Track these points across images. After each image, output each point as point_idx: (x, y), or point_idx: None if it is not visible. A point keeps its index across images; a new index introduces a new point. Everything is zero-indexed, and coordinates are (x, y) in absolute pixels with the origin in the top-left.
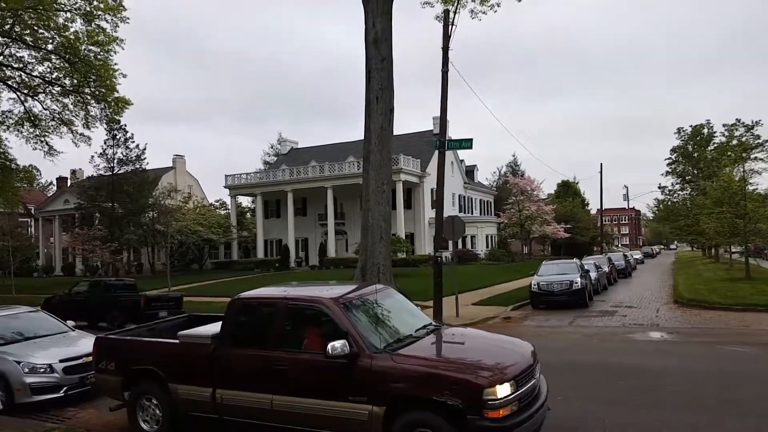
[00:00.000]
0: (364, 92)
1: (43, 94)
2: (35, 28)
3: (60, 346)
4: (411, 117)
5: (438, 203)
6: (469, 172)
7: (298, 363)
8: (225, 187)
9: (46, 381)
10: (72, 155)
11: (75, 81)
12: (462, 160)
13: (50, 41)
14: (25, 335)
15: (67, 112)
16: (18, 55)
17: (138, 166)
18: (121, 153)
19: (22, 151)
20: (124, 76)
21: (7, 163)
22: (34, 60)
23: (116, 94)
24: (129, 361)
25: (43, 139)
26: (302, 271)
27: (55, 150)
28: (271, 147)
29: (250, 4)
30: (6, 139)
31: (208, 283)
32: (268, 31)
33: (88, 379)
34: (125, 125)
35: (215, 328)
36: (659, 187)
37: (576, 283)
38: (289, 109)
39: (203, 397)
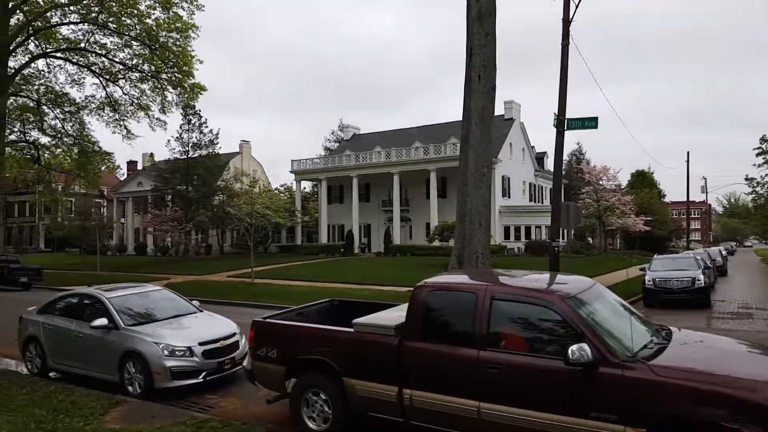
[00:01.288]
0: (465, 69)
1: (123, 80)
2: (119, 15)
3: (195, 328)
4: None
5: (555, 189)
6: (539, 159)
7: (518, 367)
8: (291, 171)
9: (187, 365)
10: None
11: (153, 67)
12: (533, 147)
13: (132, 28)
14: (157, 315)
15: (145, 98)
16: (102, 41)
17: (211, 150)
18: (195, 137)
19: (100, 135)
20: (201, 62)
21: (90, 145)
22: (115, 47)
23: (192, 80)
24: (295, 350)
25: (122, 123)
26: (368, 257)
27: (133, 134)
28: (332, 133)
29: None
30: (89, 123)
31: (280, 266)
32: (310, 23)
33: (227, 364)
34: (199, 110)
35: (391, 316)
36: (746, 179)
37: (699, 280)
38: (337, 98)
39: (387, 397)
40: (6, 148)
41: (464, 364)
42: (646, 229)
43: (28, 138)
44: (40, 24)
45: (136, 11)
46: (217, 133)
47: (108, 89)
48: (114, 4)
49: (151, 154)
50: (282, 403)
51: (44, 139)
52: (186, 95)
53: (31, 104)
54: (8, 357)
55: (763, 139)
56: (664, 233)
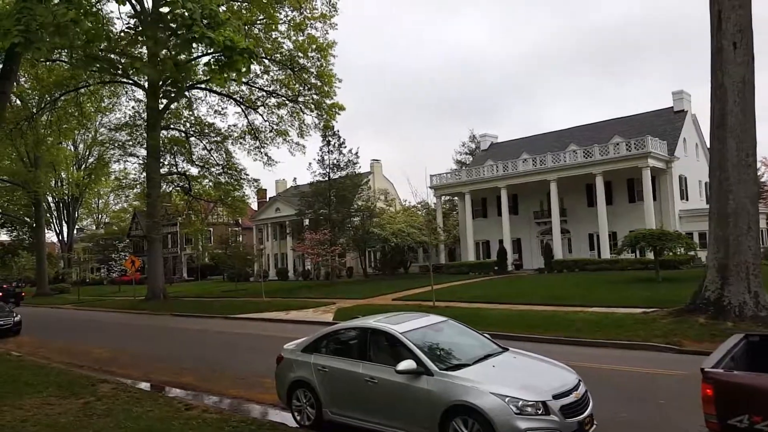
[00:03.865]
0: (710, 41)
1: (262, 107)
2: (262, 39)
3: (526, 373)
4: (639, 93)
5: None
6: None
7: None
8: (430, 187)
9: (545, 427)
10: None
11: (291, 92)
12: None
13: (275, 52)
14: (465, 355)
15: (283, 123)
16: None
17: (351, 171)
18: (335, 158)
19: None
20: (340, 81)
21: (235, 173)
22: (254, 74)
23: (330, 100)
24: None
25: (262, 150)
26: (529, 275)
27: (273, 160)
28: (462, 145)
29: (377, 16)
30: (234, 151)
31: (442, 286)
32: (394, 38)
33: (587, 425)
34: (338, 131)
35: None
36: None
37: None
38: (431, 113)
39: None
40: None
41: None
42: None
43: (179, 169)
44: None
45: (276, 33)
46: (357, 152)
47: (249, 117)
48: (258, 30)
49: (281, 181)
50: None
51: (193, 171)
52: (324, 116)
53: (180, 136)
54: (256, 402)
55: None
56: None
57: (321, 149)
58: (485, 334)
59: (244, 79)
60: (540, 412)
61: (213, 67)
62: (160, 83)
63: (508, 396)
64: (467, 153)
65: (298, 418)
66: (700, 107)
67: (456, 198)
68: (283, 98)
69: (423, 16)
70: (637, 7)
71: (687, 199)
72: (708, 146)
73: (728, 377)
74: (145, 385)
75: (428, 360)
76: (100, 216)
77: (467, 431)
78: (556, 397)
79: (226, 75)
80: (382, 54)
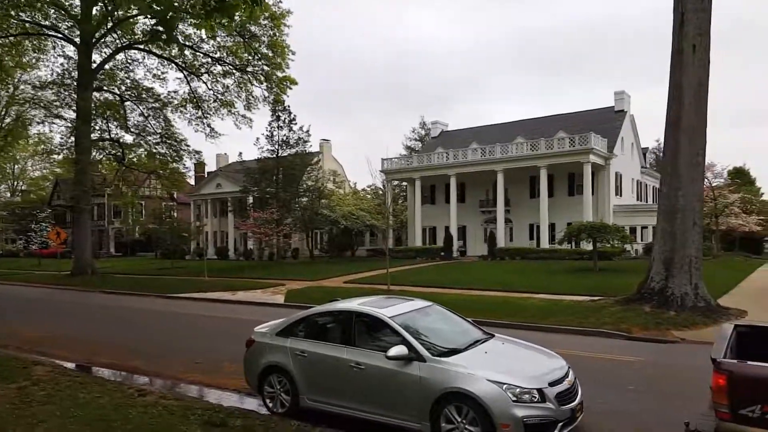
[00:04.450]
0: (671, 41)
1: (207, 75)
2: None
3: (517, 360)
4: (579, 92)
5: None
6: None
7: None
8: (381, 171)
9: (541, 414)
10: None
11: (239, 60)
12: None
13: None
14: (455, 341)
15: (229, 94)
16: (187, 32)
17: (302, 149)
18: (283, 135)
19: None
20: (293, 53)
21: (175, 143)
22: (199, 38)
23: (282, 73)
24: None
25: (204, 120)
26: (475, 261)
27: (216, 132)
28: (413, 131)
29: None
30: (173, 120)
31: (392, 270)
32: (344, 24)
33: (578, 413)
34: (289, 106)
35: None
36: None
37: None
38: (379, 100)
39: None
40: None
41: None
42: (757, 228)
43: (112, 136)
44: (122, 14)
45: None
46: (308, 130)
47: (192, 84)
48: None
49: (240, 154)
50: None
51: (128, 138)
52: (275, 89)
53: (114, 99)
54: (218, 388)
55: None
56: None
57: (270, 124)
58: (469, 320)
59: (188, 43)
60: (536, 399)
61: (200, 10)
62: (93, 40)
63: (505, 383)
64: (417, 139)
65: (271, 405)
66: (639, 108)
67: (405, 183)
68: (230, 66)
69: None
70: (582, 13)
71: (621, 195)
72: (642, 146)
73: (742, 368)
74: (87, 369)
75: (419, 345)
76: (16, 183)
77: (461, 419)
78: (551, 384)
79: (215, 20)
80: (331, 37)
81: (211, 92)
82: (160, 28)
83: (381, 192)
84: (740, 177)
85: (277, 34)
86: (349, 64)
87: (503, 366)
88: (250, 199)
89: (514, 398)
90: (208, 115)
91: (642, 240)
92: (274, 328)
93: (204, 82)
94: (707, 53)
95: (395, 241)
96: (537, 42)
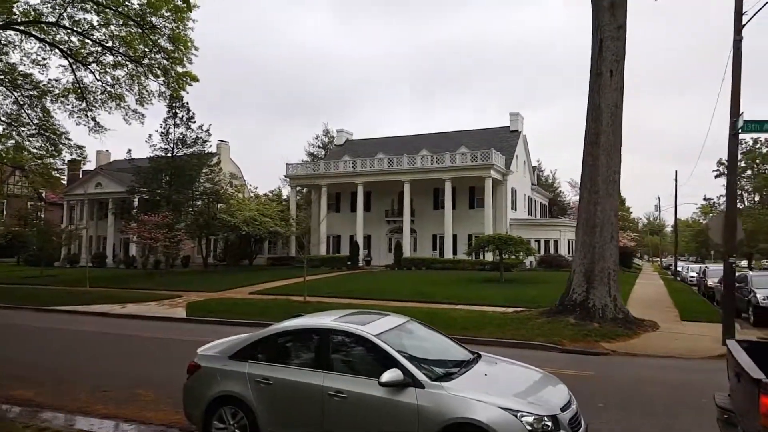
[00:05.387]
0: (590, 65)
1: (95, 64)
2: None
3: (516, 383)
4: (472, 110)
5: (731, 198)
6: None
7: None
8: (285, 176)
9: None
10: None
11: (135, 52)
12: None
13: (121, 5)
14: (446, 363)
15: (119, 86)
16: (77, 17)
17: (200, 149)
18: (180, 133)
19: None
20: (197, 49)
21: (53, 136)
22: (89, 25)
23: (183, 68)
24: None
25: (89, 113)
26: (383, 271)
27: (102, 126)
28: (316, 138)
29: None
30: (53, 110)
31: (299, 281)
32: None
33: None
34: (187, 103)
35: None
36: (705, 199)
37: None
38: (274, 105)
39: None
40: None
41: None
42: (632, 244)
43: None
44: None
45: None
46: (208, 129)
47: (77, 73)
48: None
49: (129, 151)
50: None
51: None
52: (173, 85)
53: None
54: (139, 421)
55: (719, 162)
56: (633, 249)
57: (166, 121)
58: (447, 336)
59: (77, 29)
60: (550, 428)
61: None
62: None
63: (519, 410)
64: (320, 146)
65: None
66: (529, 129)
67: (305, 190)
68: (124, 57)
69: (270, 5)
70: (473, 36)
71: (516, 210)
72: (532, 165)
73: None
74: None
75: (415, 369)
76: None
77: None
78: (562, 409)
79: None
80: (229, 38)
81: (100, 83)
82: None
83: (285, 198)
84: None
85: (181, 27)
86: (250, 68)
87: (510, 390)
88: (135, 201)
89: (530, 427)
90: (94, 108)
91: (539, 252)
92: (226, 350)
93: (92, 72)
94: (622, 78)
95: (297, 250)
96: (434, 58)
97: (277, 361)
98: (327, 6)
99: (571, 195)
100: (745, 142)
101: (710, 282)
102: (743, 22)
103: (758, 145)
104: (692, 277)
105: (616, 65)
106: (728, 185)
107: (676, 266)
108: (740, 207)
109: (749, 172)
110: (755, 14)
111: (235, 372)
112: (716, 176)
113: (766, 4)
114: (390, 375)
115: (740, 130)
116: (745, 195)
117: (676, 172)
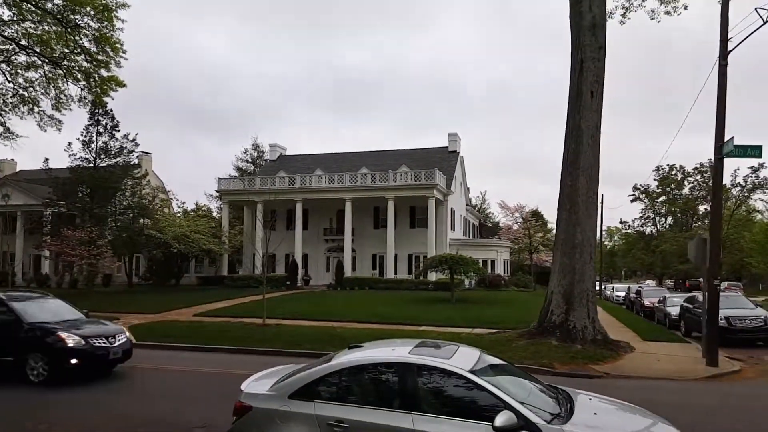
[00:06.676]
0: (569, 85)
1: (5, 64)
2: None
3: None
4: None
5: (715, 219)
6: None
7: None
8: (217, 191)
9: None
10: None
11: (53, 52)
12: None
13: None
14: (543, 400)
15: (33, 89)
16: None
17: (126, 160)
18: (103, 142)
19: None
20: (125, 52)
21: None
22: (7, 19)
23: (106, 72)
24: None
25: None
26: (325, 291)
27: (13, 133)
28: (245, 152)
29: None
30: None
31: (241, 301)
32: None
33: None
34: (112, 110)
35: None
36: (621, 222)
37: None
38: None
39: None
40: None
41: None
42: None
43: None
44: None
45: None
46: (135, 139)
47: None
48: None
49: (46, 160)
50: None
51: None
52: (96, 89)
53: None
54: None
55: (635, 187)
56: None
57: (88, 129)
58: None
59: None
60: None
61: None
62: None
63: None
64: (249, 161)
65: None
66: (466, 151)
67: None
68: (40, 58)
69: (172, 18)
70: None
71: (454, 230)
72: (467, 186)
73: None
74: None
75: (526, 410)
76: None
77: None
78: None
79: None
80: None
81: (11, 85)
82: None
83: (215, 213)
84: (537, 219)
85: (108, 27)
86: (171, 86)
87: (626, 428)
88: (48, 214)
89: None
90: (4, 112)
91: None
92: (282, 387)
93: (2, 72)
94: (601, 100)
95: (229, 268)
96: (349, 78)
97: (349, 400)
98: (233, 20)
99: (500, 216)
100: (662, 169)
101: (647, 302)
102: (728, 48)
103: (674, 172)
104: (618, 296)
105: (596, 86)
106: (713, 207)
107: (602, 287)
108: (654, 231)
109: (663, 198)
110: (742, 41)
111: (301, 414)
112: (632, 200)
113: (753, 32)
114: (504, 418)
115: (726, 155)
116: (658, 219)
117: (602, 195)
